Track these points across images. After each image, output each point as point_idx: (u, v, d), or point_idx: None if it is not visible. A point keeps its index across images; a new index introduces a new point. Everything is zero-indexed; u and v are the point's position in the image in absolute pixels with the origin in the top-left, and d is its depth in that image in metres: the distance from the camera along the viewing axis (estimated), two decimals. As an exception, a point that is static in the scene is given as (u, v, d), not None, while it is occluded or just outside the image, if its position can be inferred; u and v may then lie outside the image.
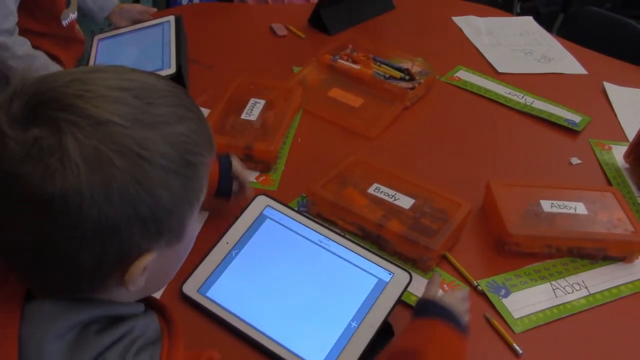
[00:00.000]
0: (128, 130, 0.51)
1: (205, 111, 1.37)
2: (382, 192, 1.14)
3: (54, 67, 1.40)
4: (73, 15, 1.57)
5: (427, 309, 0.87)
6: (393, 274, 0.97)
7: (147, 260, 0.56)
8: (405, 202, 1.12)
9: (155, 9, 1.69)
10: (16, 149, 0.49)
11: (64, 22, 1.53)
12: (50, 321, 0.55)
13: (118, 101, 0.52)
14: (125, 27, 1.67)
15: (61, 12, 1.51)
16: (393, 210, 1.10)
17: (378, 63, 1.59)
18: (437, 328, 0.83)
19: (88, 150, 0.49)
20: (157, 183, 0.52)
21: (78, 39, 1.62)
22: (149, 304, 0.65)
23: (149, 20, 1.67)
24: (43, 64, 1.38)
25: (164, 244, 0.57)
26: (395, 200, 1.12)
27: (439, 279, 0.96)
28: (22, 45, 1.34)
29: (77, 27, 1.63)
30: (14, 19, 1.33)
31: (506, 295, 1.04)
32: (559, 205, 1.15)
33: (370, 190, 1.14)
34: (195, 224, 0.62)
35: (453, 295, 0.90)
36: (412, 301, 1.01)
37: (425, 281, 1.05)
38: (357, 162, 1.23)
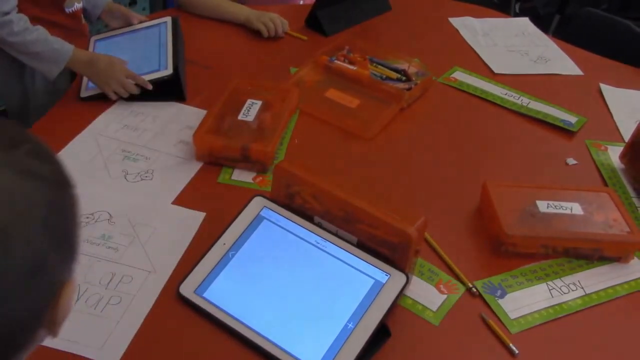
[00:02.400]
0: None
1: (202, 112, 1.38)
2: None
3: (57, 42, 1.39)
4: (78, 5, 1.56)
5: None
6: (390, 275, 0.97)
7: (71, 286, 0.51)
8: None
9: (141, 17, 1.67)
10: None
11: (67, 10, 1.52)
12: None
13: None
14: (118, 27, 1.66)
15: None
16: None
17: (374, 64, 1.59)
18: None
19: None
20: None
21: (82, 32, 1.61)
22: None
23: (139, 23, 1.66)
24: (39, 38, 1.37)
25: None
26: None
27: None
28: (19, 21, 1.35)
29: (83, 19, 1.63)
30: (10, 4, 1.34)
31: (502, 296, 1.04)
32: (555, 206, 1.16)
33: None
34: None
35: None
36: (408, 304, 1.01)
37: (423, 283, 1.05)
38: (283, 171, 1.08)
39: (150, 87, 1.41)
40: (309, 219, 1.05)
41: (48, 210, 0.47)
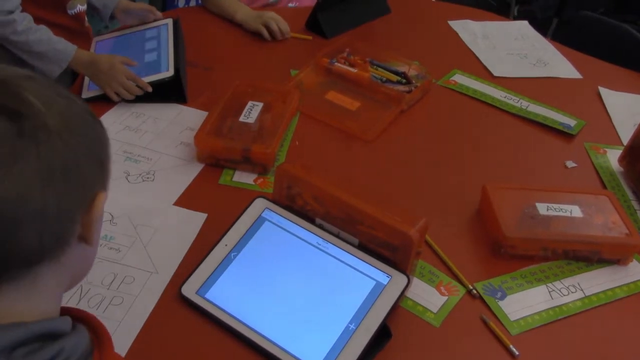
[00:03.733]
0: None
1: (204, 114, 1.38)
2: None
3: (60, 42, 1.40)
4: (82, 7, 1.56)
5: None
6: (391, 276, 0.98)
7: (103, 197, 0.58)
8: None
9: (160, 14, 1.69)
10: None
11: (70, 12, 1.53)
12: None
13: None
14: (131, 25, 1.67)
15: (67, 1, 1.51)
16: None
17: (375, 66, 1.60)
18: None
19: None
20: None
21: (85, 33, 1.61)
22: (75, 316, 0.61)
23: (154, 19, 1.67)
24: (42, 38, 1.37)
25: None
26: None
27: None
28: (22, 20, 1.35)
29: (86, 21, 1.63)
30: (14, 3, 1.34)
31: (502, 298, 1.05)
32: (555, 208, 1.16)
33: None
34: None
35: None
36: (409, 305, 1.02)
37: (423, 284, 1.06)
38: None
39: (150, 89, 1.41)
40: (311, 220, 1.06)
41: (85, 124, 0.57)
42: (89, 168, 0.57)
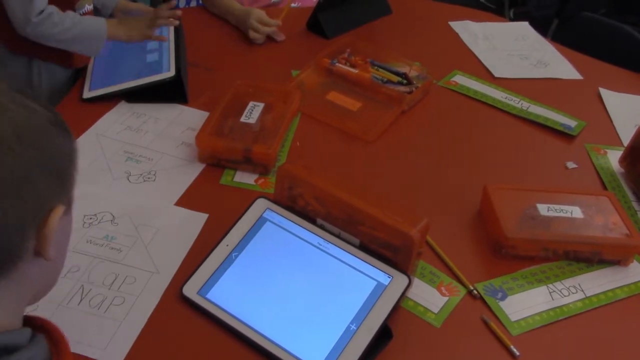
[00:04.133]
0: None
1: (205, 114, 1.38)
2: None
3: (87, 18, 1.45)
4: (89, 7, 1.57)
5: None
6: (392, 277, 0.98)
7: (60, 211, 0.57)
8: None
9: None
10: None
11: (79, 11, 1.53)
12: None
13: None
14: None
15: (76, 1, 1.52)
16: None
17: (376, 67, 1.60)
18: None
19: None
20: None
21: None
22: (36, 325, 0.61)
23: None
24: (74, 22, 1.40)
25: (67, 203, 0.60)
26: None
27: None
28: (54, 11, 1.38)
29: None
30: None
31: (503, 298, 1.05)
32: (555, 209, 1.16)
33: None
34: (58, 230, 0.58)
35: None
36: (409, 306, 1.02)
37: (424, 285, 1.06)
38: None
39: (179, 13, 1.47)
40: (312, 221, 1.06)
41: (42, 135, 0.56)
42: (44, 181, 0.55)
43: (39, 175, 0.54)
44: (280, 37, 1.76)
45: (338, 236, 1.04)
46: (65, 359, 0.60)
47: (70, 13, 1.41)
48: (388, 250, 1.00)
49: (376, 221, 0.99)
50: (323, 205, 1.05)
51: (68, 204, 0.60)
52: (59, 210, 0.57)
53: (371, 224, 1.00)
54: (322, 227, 1.05)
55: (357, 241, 1.03)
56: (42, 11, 1.36)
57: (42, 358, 0.57)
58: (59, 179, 0.57)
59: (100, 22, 1.44)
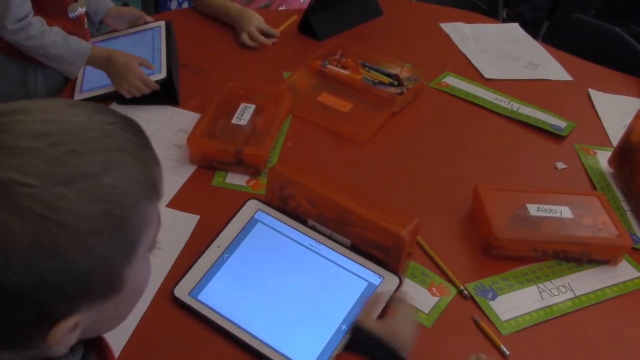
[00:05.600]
0: (33, 190, 0.45)
1: (196, 116, 1.38)
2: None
3: (74, 42, 1.41)
4: (81, 10, 1.57)
5: (363, 344, 0.85)
6: (383, 277, 0.99)
7: (71, 322, 0.50)
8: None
9: (149, 18, 1.70)
10: None
11: (71, 15, 1.53)
12: None
13: (28, 153, 0.47)
14: (120, 30, 1.68)
15: (68, 4, 1.51)
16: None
17: (367, 68, 1.60)
18: None
19: None
20: (68, 247, 0.47)
21: (84, 36, 1.62)
22: (85, 340, 0.59)
23: (144, 24, 1.68)
24: (56, 40, 1.38)
25: (91, 302, 0.52)
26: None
27: (380, 303, 0.93)
28: (35, 24, 1.37)
29: (86, 24, 1.63)
30: (27, 7, 1.36)
31: (493, 298, 1.06)
32: (545, 210, 1.17)
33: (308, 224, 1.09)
34: (141, 269, 0.56)
35: (397, 321, 0.88)
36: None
37: (415, 285, 1.06)
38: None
39: (158, 87, 1.43)
40: (303, 222, 1.06)
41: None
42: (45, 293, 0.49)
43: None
44: (272, 39, 1.76)
45: (329, 237, 1.04)
46: None
47: (55, 29, 1.40)
48: (379, 250, 1.00)
49: (367, 222, 1.00)
50: (314, 207, 1.05)
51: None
52: (69, 321, 0.50)
53: (362, 225, 1.01)
54: (313, 228, 1.06)
55: (348, 242, 1.03)
56: (21, 19, 1.35)
57: None
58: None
59: (83, 48, 1.42)
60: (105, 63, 1.43)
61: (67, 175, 0.47)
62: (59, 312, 0.50)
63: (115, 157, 0.50)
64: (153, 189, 0.54)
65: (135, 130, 0.54)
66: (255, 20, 1.74)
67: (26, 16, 1.35)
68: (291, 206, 1.08)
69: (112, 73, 1.42)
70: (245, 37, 1.72)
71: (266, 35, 1.74)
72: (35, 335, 0.50)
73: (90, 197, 0.48)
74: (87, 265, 0.48)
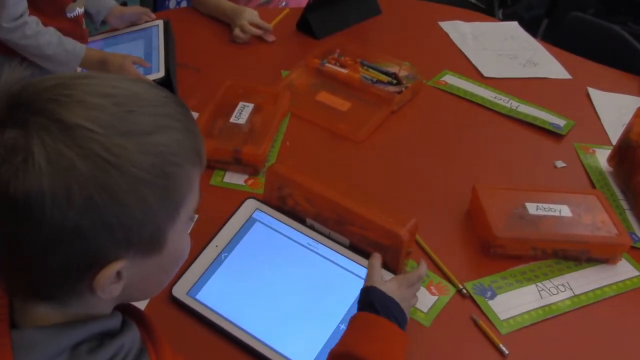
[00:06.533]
0: (97, 136, 0.50)
1: (194, 114, 1.38)
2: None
3: (69, 43, 1.41)
4: (80, 10, 1.57)
5: (370, 301, 0.87)
6: (381, 276, 0.98)
7: (116, 267, 0.54)
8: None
9: (154, 15, 1.69)
10: None
11: (69, 15, 1.53)
12: (40, 348, 0.55)
13: (94, 107, 0.52)
14: (120, 28, 1.67)
15: (67, 4, 1.51)
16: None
17: (365, 67, 1.60)
18: (377, 328, 0.84)
19: (53, 153, 0.49)
20: (125, 191, 0.51)
21: (83, 36, 1.61)
22: (126, 311, 0.64)
23: (148, 21, 1.67)
24: (51, 41, 1.38)
25: (136, 253, 0.55)
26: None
27: (379, 262, 0.95)
28: (31, 24, 1.36)
29: (84, 24, 1.63)
30: (23, 6, 1.35)
31: (492, 297, 1.05)
32: (544, 208, 1.17)
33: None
34: (182, 236, 0.61)
35: (402, 280, 0.92)
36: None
37: (412, 283, 1.06)
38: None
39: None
40: (301, 221, 1.06)
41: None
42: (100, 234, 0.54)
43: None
44: (271, 38, 1.76)
45: (328, 236, 1.04)
46: (162, 346, 0.62)
47: (50, 30, 1.40)
48: (377, 249, 1.00)
49: (366, 221, 1.00)
50: (313, 206, 1.05)
51: (144, 250, 0.56)
52: (114, 265, 0.54)
53: (361, 224, 1.01)
54: (311, 227, 1.05)
55: (346, 241, 1.03)
56: (18, 17, 1.34)
57: (139, 340, 0.61)
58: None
59: (77, 50, 1.42)
60: (99, 65, 1.42)
61: (126, 129, 0.52)
62: (108, 256, 0.53)
63: (167, 122, 0.55)
64: (198, 156, 0.59)
65: (184, 106, 0.60)
66: (247, 15, 1.73)
67: (22, 15, 1.35)
68: (289, 205, 1.08)
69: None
70: (237, 31, 1.71)
71: (259, 29, 1.73)
72: (85, 279, 0.54)
73: (145, 150, 0.52)
74: (139, 213, 0.52)
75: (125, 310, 0.64)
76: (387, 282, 0.90)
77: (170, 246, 0.58)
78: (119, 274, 0.55)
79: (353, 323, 0.86)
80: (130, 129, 0.52)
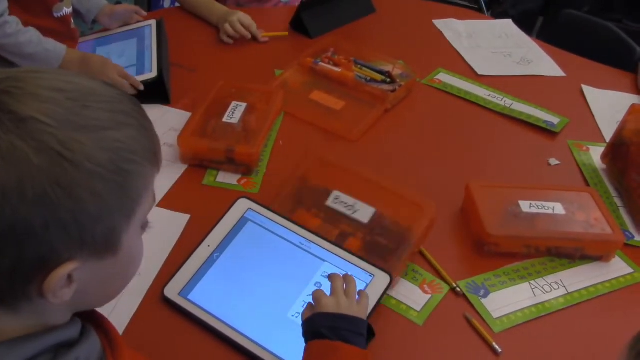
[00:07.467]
0: (52, 129, 0.48)
1: (187, 114, 1.38)
2: (341, 202, 1.11)
3: (49, 43, 1.41)
4: (67, 10, 1.56)
5: (316, 330, 0.82)
6: (373, 275, 0.98)
7: (68, 269, 0.51)
8: (364, 213, 1.10)
9: (145, 13, 1.69)
10: None
11: (56, 14, 1.52)
12: None
13: (48, 100, 0.50)
14: (113, 28, 1.67)
15: (54, 4, 1.50)
16: (350, 227, 1.09)
17: (359, 66, 1.60)
18: (331, 355, 0.80)
19: (4, 145, 0.47)
20: (80, 186, 0.49)
21: (72, 36, 1.61)
22: (85, 316, 0.61)
23: (139, 21, 1.67)
24: (32, 40, 1.37)
25: (90, 254, 0.53)
26: (354, 212, 1.10)
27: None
28: (11, 23, 1.35)
29: (72, 24, 1.62)
30: (3, 6, 1.34)
31: (485, 296, 1.05)
32: (538, 206, 1.17)
33: (329, 203, 1.12)
34: (136, 241, 0.59)
35: (337, 290, 0.86)
36: (392, 304, 1.02)
37: (407, 283, 1.06)
38: (321, 163, 1.22)
39: (141, 87, 1.41)
40: (293, 220, 1.06)
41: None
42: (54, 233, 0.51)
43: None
44: (264, 38, 1.75)
45: (321, 236, 1.04)
46: (120, 352, 0.60)
47: (31, 30, 1.39)
48: (388, 237, 1.00)
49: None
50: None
51: (96, 253, 0.54)
52: (66, 267, 0.51)
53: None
54: (303, 227, 1.05)
55: (340, 244, 1.03)
56: None
57: (98, 350, 0.58)
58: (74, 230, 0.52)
59: (57, 50, 1.41)
60: (80, 64, 1.42)
61: (82, 124, 0.51)
62: (60, 256, 0.51)
63: (124, 119, 0.54)
64: (155, 156, 0.58)
65: (139, 104, 0.58)
66: (238, 14, 1.73)
67: (2, 15, 1.34)
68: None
69: (90, 72, 1.40)
70: (227, 27, 1.70)
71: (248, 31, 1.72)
72: (32, 283, 0.52)
73: (101, 145, 0.51)
74: (94, 209, 0.51)
75: (87, 316, 0.61)
76: (324, 300, 0.84)
77: (125, 250, 0.56)
78: (70, 277, 0.53)
79: (308, 356, 0.81)
80: (86, 124, 0.51)
